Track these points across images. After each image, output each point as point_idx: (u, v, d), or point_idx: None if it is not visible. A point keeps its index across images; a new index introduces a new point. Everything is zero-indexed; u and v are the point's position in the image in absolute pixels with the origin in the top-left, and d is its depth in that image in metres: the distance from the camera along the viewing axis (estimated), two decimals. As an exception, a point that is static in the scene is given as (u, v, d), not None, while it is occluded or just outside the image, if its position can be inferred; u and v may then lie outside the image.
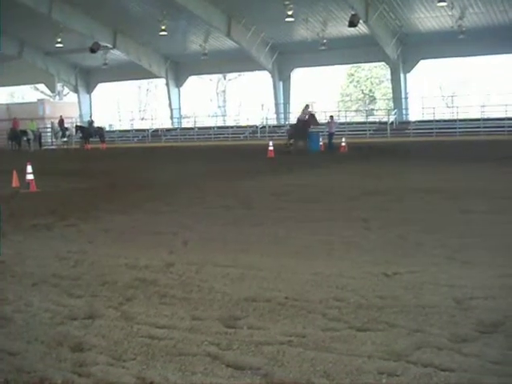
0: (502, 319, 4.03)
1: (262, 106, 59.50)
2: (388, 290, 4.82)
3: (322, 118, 52.45)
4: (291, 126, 34.89)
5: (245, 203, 10.70)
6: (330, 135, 32.67)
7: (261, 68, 55.08)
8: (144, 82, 75.28)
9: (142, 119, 69.03)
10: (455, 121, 47.52)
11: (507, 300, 4.47)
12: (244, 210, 9.86)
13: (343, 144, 29.68)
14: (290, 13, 44.17)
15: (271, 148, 25.78)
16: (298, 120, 31.50)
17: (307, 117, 31.02)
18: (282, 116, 56.24)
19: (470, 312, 4.22)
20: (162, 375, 3.32)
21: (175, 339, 3.85)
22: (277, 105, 56.16)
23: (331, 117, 36.12)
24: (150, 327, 4.10)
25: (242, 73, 66.60)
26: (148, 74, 58.92)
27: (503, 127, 44.11)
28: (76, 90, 62.50)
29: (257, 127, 53.31)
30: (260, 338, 3.83)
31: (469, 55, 50.60)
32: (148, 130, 57.35)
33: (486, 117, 47.73)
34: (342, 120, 49.43)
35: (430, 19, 46.06)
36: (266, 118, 55.31)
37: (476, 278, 5.11)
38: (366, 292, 4.76)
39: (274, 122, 55.44)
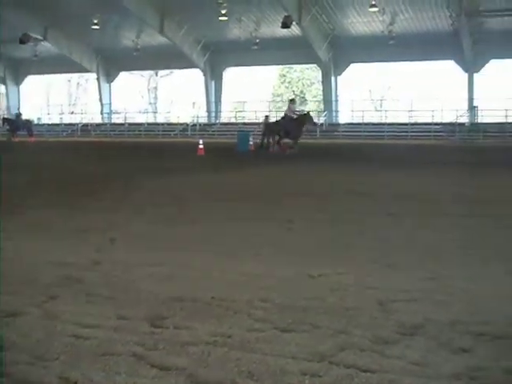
0: (423, 322, 4.12)
1: (194, 104, 59.45)
2: (313, 291, 4.87)
3: (252, 117, 52.82)
4: (268, 123, 31.70)
5: (174, 201, 10.68)
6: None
7: (193, 66, 55.09)
8: (75, 76, 74.30)
9: (72, 113, 68.10)
10: (383, 124, 48.35)
11: (428, 303, 4.57)
12: (173, 208, 9.83)
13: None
14: (223, 12, 44.32)
15: (201, 146, 25.78)
16: (286, 116, 28.81)
17: (294, 115, 28.62)
18: (213, 115, 56.25)
19: (392, 314, 4.30)
20: (85, 375, 3.29)
21: (100, 339, 3.82)
22: (208, 103, 56.25)
23: (266, 117, 35.70)
24: (74, 326, 4.05)
25: (173, 70, 66.33)
26: (79, 68, 58.30)
27: (430, 132, 45.08)
28: (4, 82, 61.28)
29: (187, 125, 53.22)
30: (186, 338, 3.83)
31: (398, 60, 51.68)
32: (77, 124, 56.67)
33: (413, 121, 48.66)
34: (273, 120, 49.65)
35: (361, 24, 46.81)
36: (197, 117, 55.24)
37: (400, 281, 5.21)
38: (292, 293, 4.80)
39: (205, 121, 55.43)
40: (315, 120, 32.15)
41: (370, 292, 4.86)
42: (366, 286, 5.05)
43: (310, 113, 31.19)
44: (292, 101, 30.39)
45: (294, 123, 27.70)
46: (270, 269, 5.60)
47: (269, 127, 29.38)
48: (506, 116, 47.86)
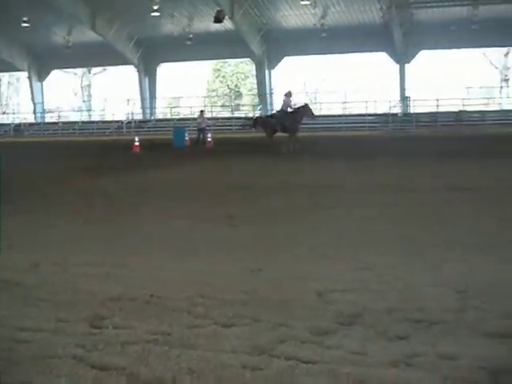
0: (361, 311, 4.19)
1: (128, 100, 58.94)
2: (252, 285, 4.90)
3: (188, 113, 52.64)
4: (261, 117, 29.35)
5: (109, 200, 10.58)
6: (201, 130, 32.18)
7: (126, 62, 54.62)
8: (5, 75, 72.91)
9: (4, 113, 66.82)
10: (318, 116, 48.67)
11: (365, 292, 4.65)
12: (109, 208, 9.74)
13: (209, 139, 29.81)
14: (155, 7, 44.02)
15: (137, 143, 25.61)
16: (281, 109, 25.95)
17: (291, 107, 25.65)
18: (148, 111, 55.90)
19: (331, 305, 4.36)
20: (25, 380, 3.26)
21: (40, 342, 3.78)
22: (143, 100, 55.83)
23: (201, 111, 35.19)
24: (13, 330, 3.99)
25: (107, 67, 65.61)
26: (9, 67, 57.24)
27: (364, 123, 45.60)
28: None
29: (122, 122, 52.75)
30: (125, 337, 3.82)
31: (331, 53, 52.09)
32: (10, 124, 55.66)
33: (347, 113, 49.17)
34: (209, 115, 49.55)
35: (293, 17, 47.07)
36: (132, 113, 54.82)
37: (337, 272, 5.28)
38: (232, 288, 4.82)
39: (140, 117, 55.02)
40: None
41: (308, 284, 4.91)
42: (303, 277, 5.10)
43: (309, 105, 27.86)
44: (288, 94, 26.31)
45: (290, 116, 25.09)
46: (209, 265, 5.62)
47: (263, 121, 27.25)
48: (437, 105, 48.75)
